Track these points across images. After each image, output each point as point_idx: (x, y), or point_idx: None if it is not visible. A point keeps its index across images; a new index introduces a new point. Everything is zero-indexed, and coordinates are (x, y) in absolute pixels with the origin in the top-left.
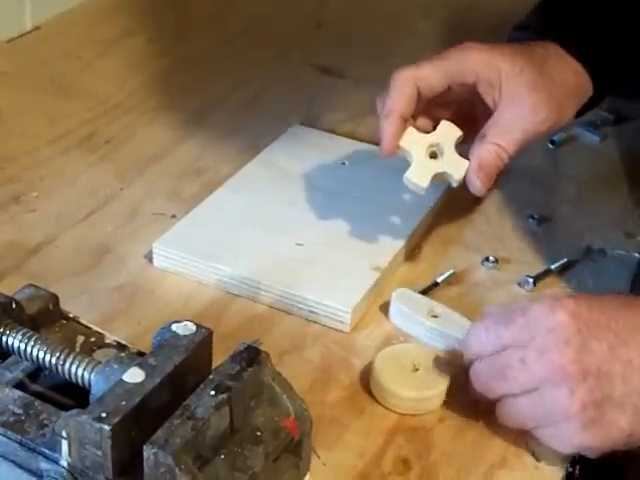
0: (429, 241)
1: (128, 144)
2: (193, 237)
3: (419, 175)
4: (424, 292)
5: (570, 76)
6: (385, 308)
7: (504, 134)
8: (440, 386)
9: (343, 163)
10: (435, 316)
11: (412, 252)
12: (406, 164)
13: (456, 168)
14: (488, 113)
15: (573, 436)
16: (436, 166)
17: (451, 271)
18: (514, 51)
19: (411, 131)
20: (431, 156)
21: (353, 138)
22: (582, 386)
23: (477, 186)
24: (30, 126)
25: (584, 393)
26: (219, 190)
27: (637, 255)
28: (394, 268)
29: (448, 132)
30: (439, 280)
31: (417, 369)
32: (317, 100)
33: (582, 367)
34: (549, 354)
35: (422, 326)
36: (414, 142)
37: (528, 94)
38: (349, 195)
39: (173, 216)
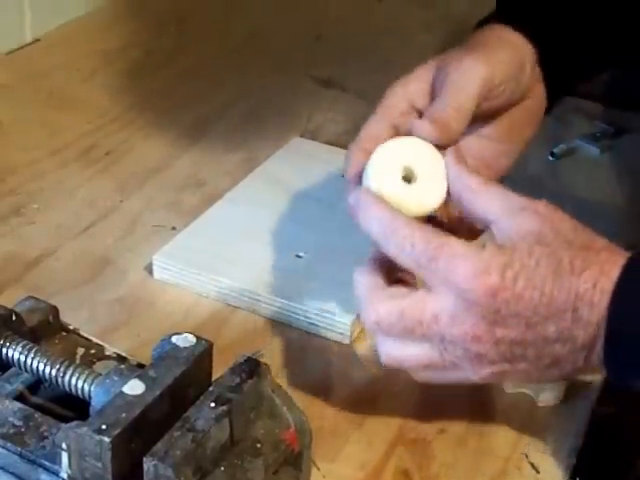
0: None
1: (128, 156)
2: (193, 249)
3: None
4: None
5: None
6: None
7: None
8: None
9: (343, 175)
10: None
11: None
12: None
13: None
14: None
15: (468, 380)
16: None
17: None
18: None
19: None
20: None
21: None
22: (492, 351)
23: None
24: (30, 138)
25: (494, 355)
26: (219, 203)
27: None
28: None
29: None
30: None
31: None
32: (317, 112)
33: (495, 337)
34: (462, 324)
35: None
36: None
37: None
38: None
39: (173, 228)
